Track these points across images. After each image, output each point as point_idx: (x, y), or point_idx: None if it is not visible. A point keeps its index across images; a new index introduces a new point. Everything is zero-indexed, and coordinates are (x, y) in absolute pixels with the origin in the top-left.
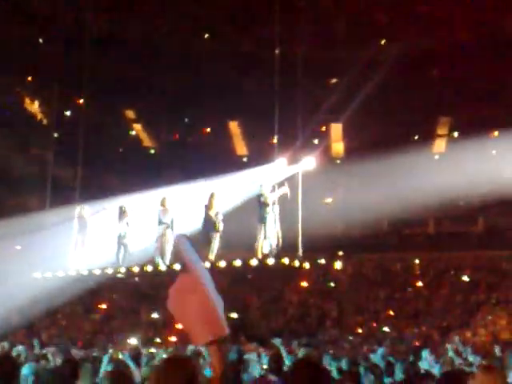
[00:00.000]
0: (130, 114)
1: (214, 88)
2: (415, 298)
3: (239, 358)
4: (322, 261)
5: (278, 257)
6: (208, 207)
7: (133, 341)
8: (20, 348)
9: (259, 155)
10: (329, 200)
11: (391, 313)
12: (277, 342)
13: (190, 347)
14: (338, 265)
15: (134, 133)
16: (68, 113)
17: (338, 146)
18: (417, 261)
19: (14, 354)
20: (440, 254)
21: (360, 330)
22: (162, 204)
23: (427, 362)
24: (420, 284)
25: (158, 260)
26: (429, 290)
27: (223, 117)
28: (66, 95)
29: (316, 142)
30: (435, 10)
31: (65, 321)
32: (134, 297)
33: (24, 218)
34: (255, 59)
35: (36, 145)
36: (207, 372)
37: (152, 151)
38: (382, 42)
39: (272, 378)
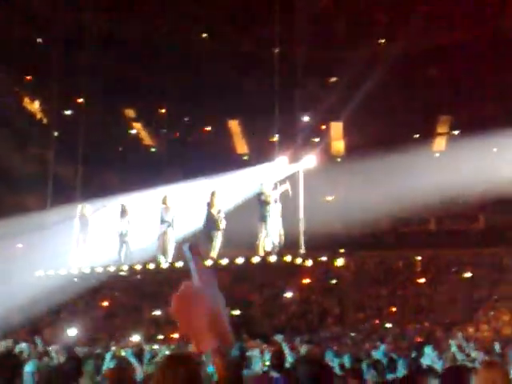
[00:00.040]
0: (130, 112)
1: (214, 87)
2: (417, 294)
3: (242, 354)
4: (324, 258)
5: (280, 254)
6: (210, 205)
7: (135, 338)
8: (23, 345)
9: (260, 154)
10: (330, 198)
11: (393, 309)
12: (279, 338)
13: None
14: (339, 262)
15: (134, 131)
16: (68, 112)
17: (339, 145)
18: (418, 258)
19: (16, 351)
20: (441, 252)
21: (362, 327)
22: (164, 202)
23: (430, 358)
24: (422, 281)
25: (160, 258)
26: (430, 287)
27: (223, 116)
28: (66, 94)
29: (316, 140)
30: (435, 9)
31: (68, 318)
32: (136, 294)
33: (25, 217)
34: (255, 59)
35: (36, 144)
36: (210, 369)
37: (152, 150)
38: (382, 41)
39: (274, 374)
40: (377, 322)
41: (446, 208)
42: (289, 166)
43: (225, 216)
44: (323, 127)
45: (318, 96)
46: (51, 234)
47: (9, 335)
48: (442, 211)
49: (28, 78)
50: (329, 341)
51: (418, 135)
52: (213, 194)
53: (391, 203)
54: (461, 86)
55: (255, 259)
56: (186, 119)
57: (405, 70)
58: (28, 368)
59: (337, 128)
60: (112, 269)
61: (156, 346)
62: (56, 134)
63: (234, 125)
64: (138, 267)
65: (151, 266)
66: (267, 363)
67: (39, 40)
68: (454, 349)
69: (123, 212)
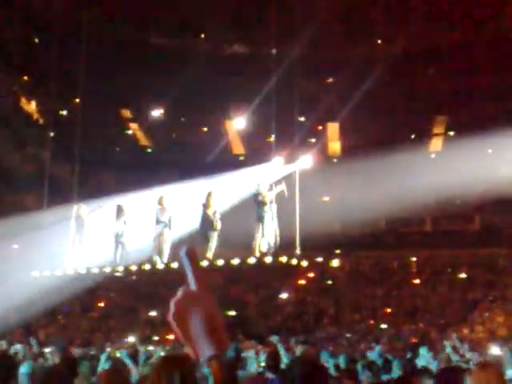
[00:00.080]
0: (127, 113)
1: (210, 87)
2: (412, 295)
3: (237, 355)
4: (320, 259)
5: (275, 255)
6: (206, 206)
7: (131, 339)
8: (18, 346)
9: (256, 154)
10: (326, 199)
11: (388, 310)
12: (274, 339)
13: None
14: (335, 263)
15: (130, 132)
16: (64, 112)
17: (335, 145)
18: (414, 259)
19: (11, 352)
20: (437, 252)
21: (357, 328)
22: (160, 203)
23: (424, 359)
24: (417, 282)
25: (156, 258)
26: (426, 288)
27: (220, 116)
28: (63, 95)
29: (313, 140)
30: (432, 10)
31: (63, 319)
32: (131, 295)
33: (21, 217)
34: (251, 59)
35: (33, 144)
36: (205, 370)
37: (149, 150)
38: (379, 42)
39: (269, 375)
40: (372, 322)
41: (441, 209)
42: (285, 167)
43: (221, 217)
44: (320, 128)
45: (314, 96)
46: (47, 234)
47: (4, 336)
48: (437, 212)
49: (25, 78)
50: (324, 341)
51: (414, 136)
52: (209, 194)
53: (387, 204)
54: (457, 87)
55: (251, 260)
56: (182, 119)
57: (402, 71)
58: (23, 369)
59: (333, 128)
60: (108, 269)
61: (151, 347)
62: (52, 134)
63: (230, 125)
64: (134, 268)
65: (147, 267)
66: (262, 364)
67: (36, 40)
68: (448, 350)
69: (119, 213)
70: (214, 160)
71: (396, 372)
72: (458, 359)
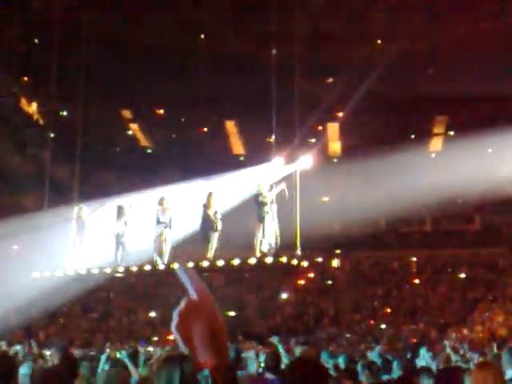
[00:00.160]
0: (127, 113)
1: (210, 88)
2: (412, 295)
3: (237, 356)
4: (320, 259)
5: (276, 255)
6: (206, 206)
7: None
8: (18, 347)
9: (256, 154)
10: (326, 199)
11: (388, 310)
12: (274, 340)
13: None
14: (335, 263)
15: (130, 132)
16: (65, 113)
17: (335, 145)
18: (414, 259)
19: (11, 353)
20: (437, 252)
21: (357, 328)
22: (160, 203)
23: (424, 359)
24: (417, 282)
25: (157, 259)
26: (426, 288)
27: (220, 116)
28: (63, 95)
29: (313, 141)
30: (432, 10)
31: (63, 320)
32: (132, 296)
33: (22, 217)
34: (252, 59)
35: (33, 144)
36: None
37: (149, 151)
38: (379, 41)
39: (269, 376)
40: (372, 322)
41: (441, 209)
42: (285, 167)
43: (221, 217)
44: (320, 128)
45: (314, 96)
46: (48, 235)
47: (4, 337)
48: (437, 212)
49: (25, 78)
50: (324, 342)
51: (414, 136)
52: (209, 195)
53: (387, 204)
54: (457, 87)
55: (251, 260)
56: (182, 119)
57: (402, 71)
58: (23, 370)
59: (333, 129)
60: (108, 270)
61: (151, 348)
62: (52, 135)
63: (230, 125)
64: (134, 269)
65: (147, 268)
66: (263, 365)
67: (36, 40)
68: (448, 350)
69: (120, 213)
70: (214, 160)
71: (396, 372)
72: (458, 359)
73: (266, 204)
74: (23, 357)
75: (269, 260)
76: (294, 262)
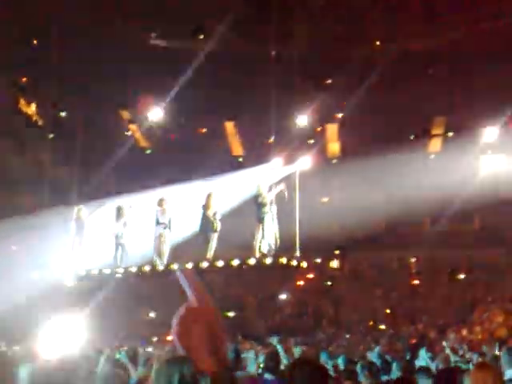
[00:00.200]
0: (126, 114)
1: (210, 88)
2: (412, 296)
3: (236, 356)
4: (319, 260)
5: (275, 256)
6: (206, 207)
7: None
8: (17, 348)
9: (255, 155)
10: (325, 199)
11: (388, 311)
12: (274, 340)
13: None
14: (334, 264)
15: (129, 133)
16: (64, 114)
17: (334, 146)
18: (413, 259)
19: (10, 353)
20: (436, 253)
21: (357, 329)
22: (160, 204)
23: (424, 360)
24: (416, 282)
25: (156, 260)
26: (425, 289)
27: (219, 117)
28: (62, 96)
29: (312, 142)
30: (431, 10)
31: (62, 321)
32: (131, 297)
33: (21, 218)
34: (251, 59)
35: (32, 145)
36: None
37: (148, 151)
38: (378, 42)
39: (268, 376)
40: (371, 323)
41: (440, 209)
42: (284, 168)
43: (221, 218)
44: (319, 129)
45: (313, 98)
46: (47, 236)
47: (3, 337)
48: (437, 212)
49: (24, 79)
50: (324, 342)
51: (413, 136)
52: (209, 195)
53: (386, 204)
54: (456, 87)
55: (251, 261)
56: (181, 120)
57: (401, 71)
58: (22, 371)
59: (332, 129)
60: (107, 271)
61: (150, 349)
62: (52, 135)
63: (229, 126)
64: (134, 269)
65: (147, 269)
66: (262, 365)
67: (35, 41)
68: (447, 350)
69: (119, 214)
70: (214, 161)
71: (395, 373)
72: (458, 360)
73: (266, 205)
74: (22, 357)
75: (268, 261)
76: (294, 262)
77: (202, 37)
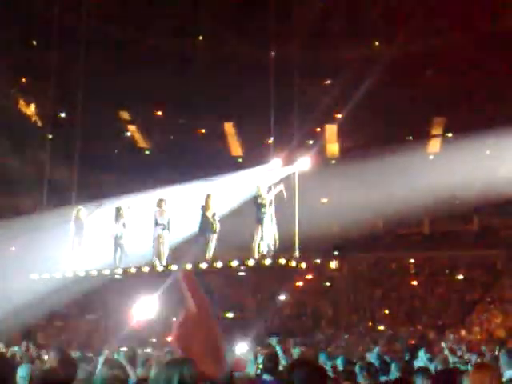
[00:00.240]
0: (125, 115)
1: (208, 89)
2: (411, 297)
3: (235, 357)
4: (318, 261)
5: (274, 257)
6: (205, 208)
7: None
8: (15, 349)
9: (254, 156)
10: (324, 200)
11: (387, 312)
12: (273, 341)
13: None
14: (333, 264)
15: (128, 134)
16: (63, 114)
17: (333, 147)
18: (412, 260)
19: (9, 354)
20: (435, 254)
21: (356, 329)
22: (159, 205)
23: (423, 360)
24: (415, 283)
25: (155, 261)
26: (424, 289)
27: (218, 118)
28: (61, 96)
29: (311, 142)
30: (430, 11)
31: (61, 322)
32: (130, 297)
33: (20, 219)
34: (249, 61)
35: (31, 146)
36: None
37: (147, 152)
38: (377, 43)
39: (267, 377)
40: (370, 324)
41: (440, 210)
42: (283, 169)
43: (220, 219)
44: (318, 129)
45: (312, 98)
46: (46, 236)
47: (2, 338)
48: (436, 213)
49: (23, 80)
50: (322, 343)
51: (412, 137)
52: (208, 196)
53: (385, 205)
54: (455, 88)
55: (250, 262)
56: (180, 121)
57: (399, 72)
58: (21, 372)
59: (331, 130)
60: (107, 272)
61: (149, 350)
62: (51, 136)
63: (228, 127)
64: (133, 270)
65: (146, 269)
66: (261, 366)
67: (34, 42)
68: (446, 351)
69: (118, 215)
70: (213, 162)
71: (394, 374)
72: (456, 360)
73: (265, 206)
74: (21, 358)
75: (267, 262)
76: (293, 263)
77: (201, 37)
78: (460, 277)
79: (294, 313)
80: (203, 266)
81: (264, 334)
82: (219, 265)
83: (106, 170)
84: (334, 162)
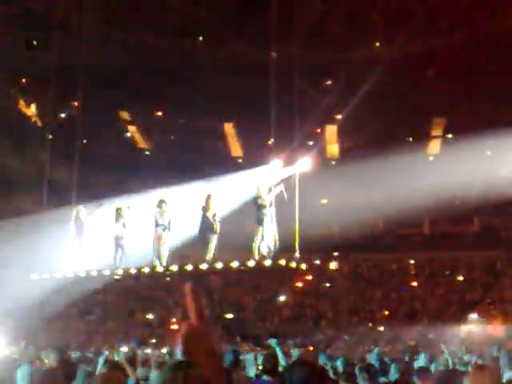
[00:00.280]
0: (125, 115)
1: (209, 89)
2: (411, 297)
3: (235, 358)
4: (318, 261)
5: (274, 258)
6: (205, 209)
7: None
8: (16, 349)
9: (254, 156)
10: (324, 201)
11: (387, 312)
12: (272, 342)
13: None
14: (333, 265)
15: (128, 134)
16: (63, 115)
17: (333, 148)
18: (412, 261)
19: (9, 355)
20: (435, 254)
21: (356, 330)
22: (159, 206)
23: (423, 361)
24: (415, 284)
25: (155, 262)
26: (424, 290)
27: (218, 118)
28: (61, 97)
29: (311, 143)
30: (430, 12)
31: (61, 322)
32: (130, 298)
33: (20, 219)
34: (250, 60)
35: (31, 146)
36: None
37: (147, 153)
38: (377, 44)
39: (267, 378)
40: (370, 325)
41: (440, 211)
42: (284, 169)
43: (220, 219)
44: (318, 130)
45: (313, 99)
46: (46, 237)
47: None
48: (436, 214)
49: (24, 80)
50: (322, 344)
51: (412, 138)
52: (208, 197)
53: (386, 206)
54: (455, 89)
55: (250, 263)
56: (180, 121)
57: (400, 73)
58: (21, 372)
59: (331, 131)
60: (107, 272)
61: (149, 350)
62: (51, 136)
63: (228, 127)
64: (133, 271)
65: (146, 270)
66: (261, 367)
67: (35, 42)
68: (446, 352)
69: (118, 215)
70: (213, 162)
71: (394, 375)
72: (456, 362)
73: (265, 206)
74: (20, 359)
75: (267, 262)
76: (293, 264)
77: (201, 38)
78: (460, 277)
79: (294, 313)
80: (203, 266)
81: (264, 335)
82: (219, 265)
83: (106, 171)
84: (334, 162)
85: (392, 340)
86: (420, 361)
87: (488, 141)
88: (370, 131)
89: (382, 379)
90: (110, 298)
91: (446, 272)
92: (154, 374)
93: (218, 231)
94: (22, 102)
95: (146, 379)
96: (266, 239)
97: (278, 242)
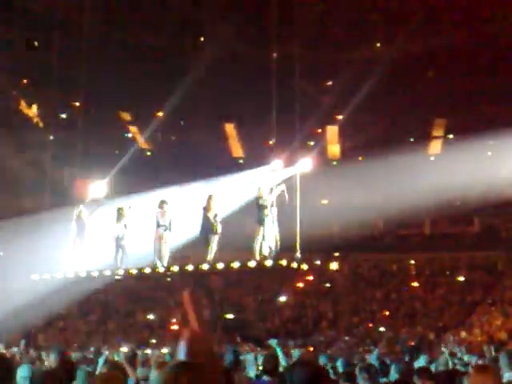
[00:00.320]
0: (126, 116)
1: (209, 90)
2: (411, 298)
3: (235, 359)
4: (319, 262)
5: (276, 258)
6: (206, 209)
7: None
8: (15, 349)
9: (255, 157)
10: (325, 201)
11: (387, 313)
12: (273, 342)
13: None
14: (334, 266)
15: (130, 135)
16: (64, 115)
17: (334, 148)
18: (412, 261)
19: (8, 355)
20: (436, 255)
21: (356, 331)
22: (160, 206)
23: (423, 362)
24: (416, 284)
25: (156, 262)
26: (424, 291)
27: (219, 119)
28: (62, 98)
29: (312, 143)
30: (430, 12)
31: (62, 322)
32: (131, 298)
33: (21, 219)
34: (251, 61)
35: (33, 147)
36: None
37: (148, 153)
38: (378, 44)
39: (267, 378)
40: (371, 325)
41: (441, 211)
42: (285, 170)
43: (221, 220)
44: (319, 130)
45: (313, 99)
46: (47, 237)
47: (2, 339)
48: (437, 214)
49: (25, 81)
50: (323, 345)
51: (413, 138)
52: (209, 197)
53: (386, 206)
54: (457, 89)
55: (251, 263)
56: (181, 122)
57: (401, 73)
58: (21, 372)
59: (332, 131)
60: (108, 273)
61: (149, 351)
62: (52, 137)
63: (229, 128)
64: (134, 271)
65: (147, 271)
66: (261, 367)
67: (36, 43)
68: (446, 353)
69: (119, 215)
70: (214, 163)
71: (394, 375)
72: (456, 362)
73: (266, 207)
74: (20, 359)
75: (269, 263)
76: (294, 264)
77: (202, 38)
78: (461, 278)
79: (295, 314)
80: (205, 267)
81: (264, 336)
82: (220, 266)
83: (106, 171)
84: (335, 163)
85: (392, 340)
86: (420, 361)
87: (488, 141)
88: (371, 132)
89: (383, 380)
90: (110, 299)
91: (446, 272)
92: (154, 374)
93: (219, 232)
94: (23, 103)
95: (146, 379)
96: (267, 239)
97: (279, 243)
